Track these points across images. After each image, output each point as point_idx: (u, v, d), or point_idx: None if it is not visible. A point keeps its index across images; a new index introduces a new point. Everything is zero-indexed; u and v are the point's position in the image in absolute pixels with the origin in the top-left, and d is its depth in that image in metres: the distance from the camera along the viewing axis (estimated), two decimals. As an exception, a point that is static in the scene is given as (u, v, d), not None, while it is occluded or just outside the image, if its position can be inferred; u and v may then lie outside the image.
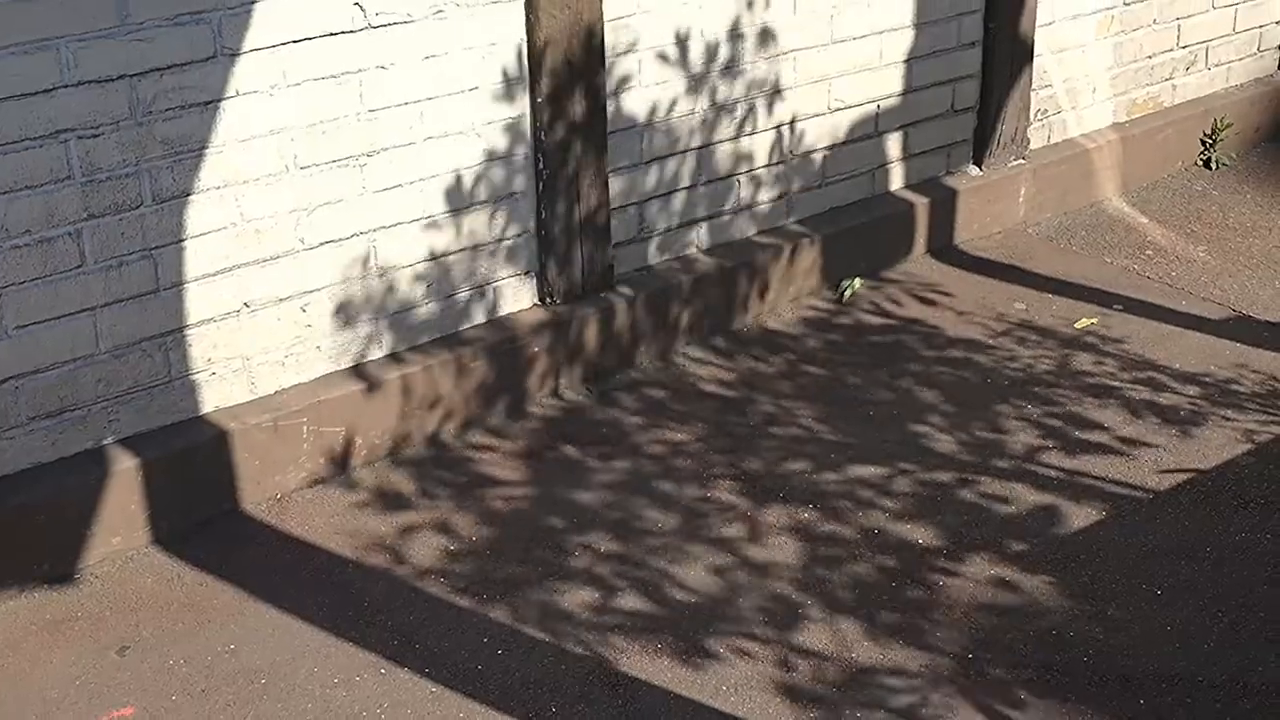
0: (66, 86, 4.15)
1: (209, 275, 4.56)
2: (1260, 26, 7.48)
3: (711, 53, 5.47)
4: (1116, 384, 5.42)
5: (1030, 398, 5.33)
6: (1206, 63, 7.31)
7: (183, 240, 4.48)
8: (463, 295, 5.12)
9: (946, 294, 6.08)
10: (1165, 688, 3.98)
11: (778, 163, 5.85)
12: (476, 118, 4.96)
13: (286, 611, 4.28)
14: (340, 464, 4.87)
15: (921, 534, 4.62)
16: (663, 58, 5.35)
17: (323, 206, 4.71)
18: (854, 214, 6.13)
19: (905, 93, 6.16)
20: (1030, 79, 6.50)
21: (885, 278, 6.19)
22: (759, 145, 5.76)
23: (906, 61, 6.11)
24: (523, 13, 4.96)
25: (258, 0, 4.41)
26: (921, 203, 6.30)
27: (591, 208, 5.27)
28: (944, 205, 6.38)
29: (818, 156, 5.97)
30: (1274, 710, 3.91)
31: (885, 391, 5.39)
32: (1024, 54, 6.42)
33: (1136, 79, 7.02)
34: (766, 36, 5.61)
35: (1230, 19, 7.33)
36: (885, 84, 6.08)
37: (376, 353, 4.98)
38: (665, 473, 4.91)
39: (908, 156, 6.29)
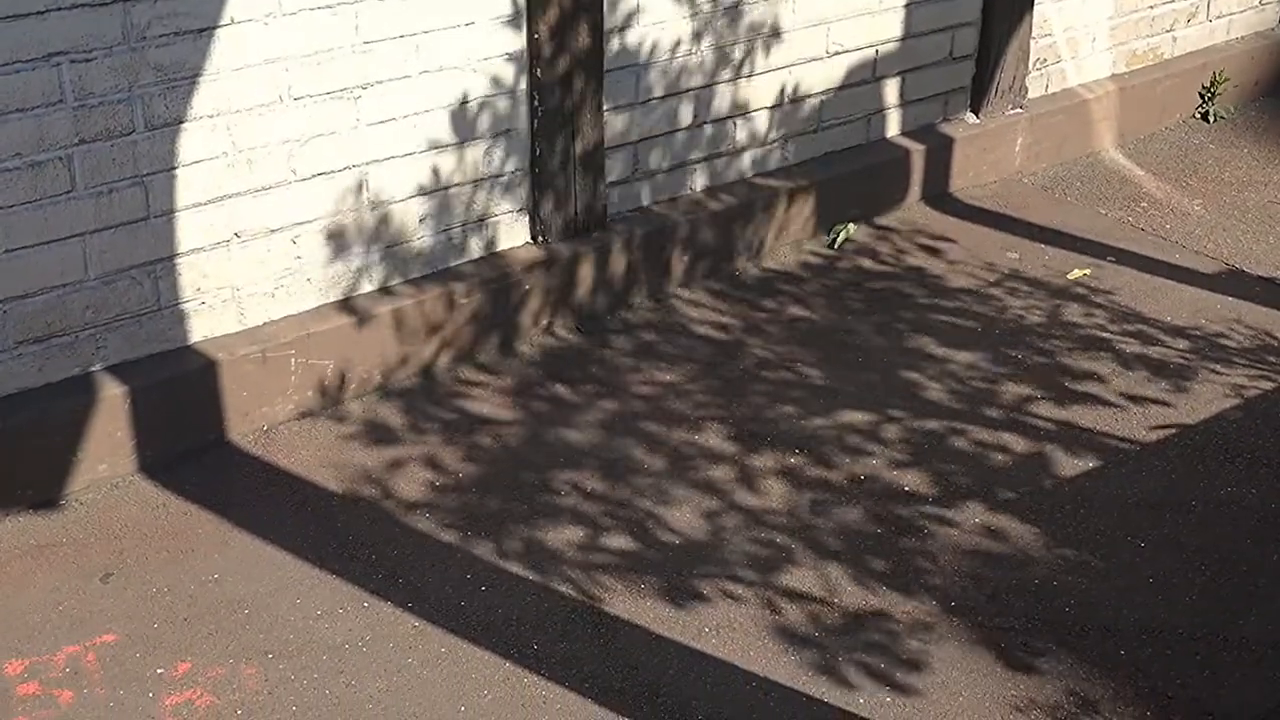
0: (60, 9, 4.11)
1: (200, 204, 4.54)
2: (1263, -20, 7.46)
3: (710, -8, 5.44)
4: (1107, 335, 5.42)
5: (1021, 347, 5.32)
6: (1208, 15, 7.27)
7: (174, 168, 4.46)
8: (455, 230, 5.11)
9: (940, 242, 6.07)
10: (1146, 639, 4.00)
11: (774, 106, 5.82)
12: (473, 52, 4.93)
13: (271, 543, 4.28)
14: (328, 397, 4.86)
15: (910, 481, 4.62)
16: (661, -4, 5.32)
17: (316, 138, 4.69)
18: (849, 159, 6.11)
19: (904, 38, 6.12)
20: (1030, 27, 6.46)
21: (879, 224, 6.18)
22: (756, 88, 5.73)
23: (907, 7, 6.07)
24: (521, -53, 4.94)
25: (254, -73, 4.39)
26: (917, 149, 6.28)
27: (587, 146, 5.24)
28: (940, 152, 6.36)
29: (815, 100, 5.94)
30: (1252, 663, 3.92)
31: (876, 338, 5.38)
32: (1024, 2, 6.38)
33: (1137, 29, 6.99)
34: (766, -23, 5.59)
35: (1233, -28, 7.31)
36: (884, 29, 6.04)
37: (367, 286, 4.96)
38: (655, 414, 4.91)
39: (905, 103, 6.27)
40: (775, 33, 5.69)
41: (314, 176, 4.73)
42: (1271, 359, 5.29)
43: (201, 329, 4.68)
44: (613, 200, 5.45)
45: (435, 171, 4.98)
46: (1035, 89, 6.69)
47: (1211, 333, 5.45)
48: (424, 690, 3.80)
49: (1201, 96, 7.26)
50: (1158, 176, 6.73)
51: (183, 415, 4.61)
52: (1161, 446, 4.81)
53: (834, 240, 5.99)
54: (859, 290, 5.70)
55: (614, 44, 5.24)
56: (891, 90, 6.19)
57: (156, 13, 4.27)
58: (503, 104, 5.05)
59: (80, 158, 4.28)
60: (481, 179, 5.10)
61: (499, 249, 5.24)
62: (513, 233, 5.26)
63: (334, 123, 4.71)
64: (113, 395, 4.45)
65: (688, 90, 5.52)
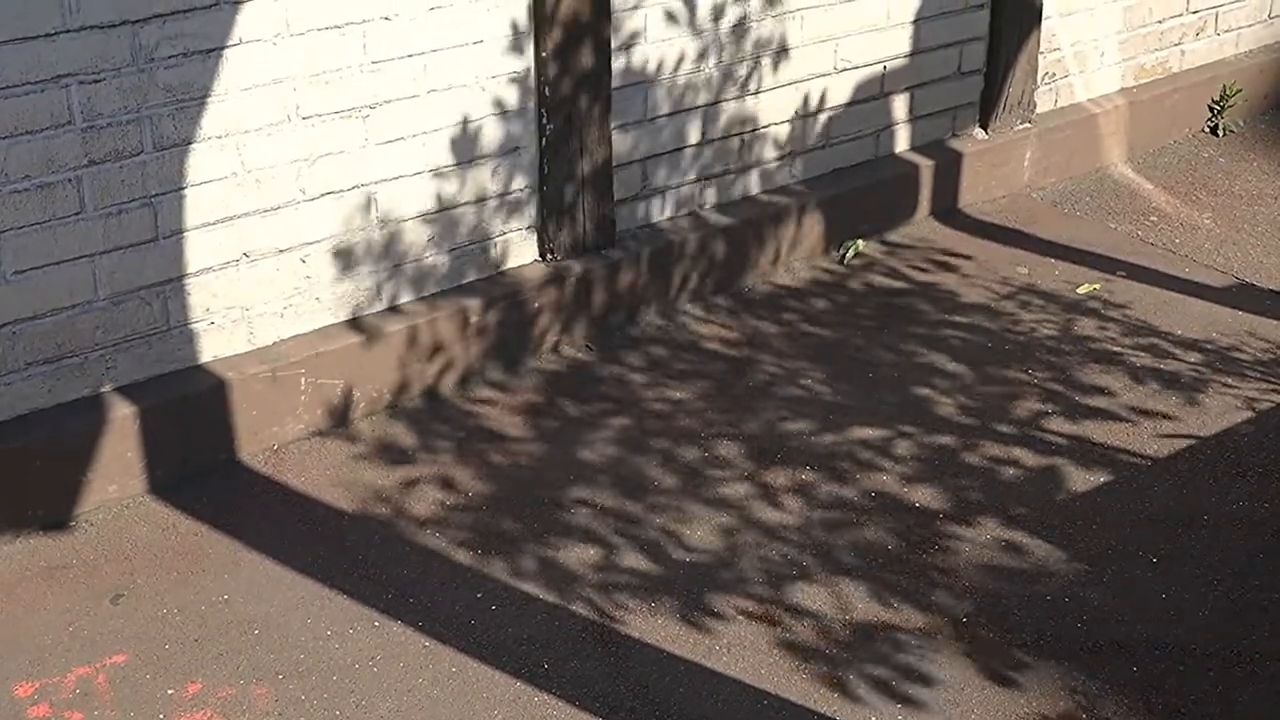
0: (68, 31, 4.12)
1: (209, 224, 4.55)
2: (1271, -7, 7.46)
3: (718, 10, 5.44)
4: (1118, 350, 5.41)
5: (1032, 362, 5.31)
6: (1216, 28, 7.27)
7: (183, 188, 4.46)
8: (464, 249, 5.11)
9: (950, 257, 6.07)
10: (1159, 655, 3.98)
11: (782, 122, 5.82)
12: (481, 71, 4.94)
13: (281, 562, 4.28)
14: (338, 416, 4.86)
15: (922, 497, 4.62)
16: (669, 14, 5.32)
17: (324, 157, 4.69)
18: (858, 175, 6.10)
19: (912, 54, 6.12)
20: (1038, 42, 6.46)
21: (888, 240, 6.17)
22: (764, 104, 5.74)
23: (914, 22, 6.07)
24: (529, -34, 4.95)
25: (262, -52, 4.39)
26: (926, 165, 6.28)
27: (595, 164, 5.25)
28: (949, 168, 6.36)
29: (823, 117, 5.94)
30: (1266, 679, 3.91)
31: (887, 353, 5.37)
32: (1032, 17, 6.38)
33: (1145, 44, 6.99)
34: (774, -6, 5.59)
35: (1241, -15, 7.30)
36: (892, 45, 6.04)
37: (376, 305, 4.96)
38: (666, 431, 4.91)
39: (913, 118, 6.27)
40: (782, 49, 5.69)
41: (323, 196, 4.73)
42: (1283, 372, 5.29)
43: (211, 349, 4.68)
44: (621, 217, 5.45)
45: (443, 190, 4.98)
46: (1044, 104, 6.69)
47: (1223, 346, 5.44)
48: (434, 710, 3.79)
49: (1211, 110, 7.25)
50: (1167, 190, 6.72)
51: (192, 435, 4.61)
52: (1173, 461, 4.80)
53: (843, 256, 5.98)
54: (869, 306, 5.69)
55: (621, 62, 5.25)
56: (900, 106, 6.19)
57: (165, 34, 4.28)
58: (510, 122, 5.06)
59: (89, 179, 4.28)
60: (490, 197, 5.11)
61: (508, 267, 5.24)
62: (521, 251, 5.26)
63: (342, 142, 4.71)
64: (123, 415, 4.45)
65: (695, 107, 5.52)
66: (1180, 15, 7.07)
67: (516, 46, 4.99)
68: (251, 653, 3.96)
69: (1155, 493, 4.65)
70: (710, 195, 5.71)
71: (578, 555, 4.34)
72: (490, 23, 4.91)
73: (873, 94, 6.07)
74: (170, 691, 3.83)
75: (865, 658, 3.98)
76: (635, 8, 5.22)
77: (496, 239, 5.18)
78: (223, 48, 4.40)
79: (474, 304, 5.06)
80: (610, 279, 5.36)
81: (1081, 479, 4.70)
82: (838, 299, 5.73)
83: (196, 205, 4.50)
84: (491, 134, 5.03)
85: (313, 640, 4.00)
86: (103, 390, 4.50)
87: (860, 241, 6.05)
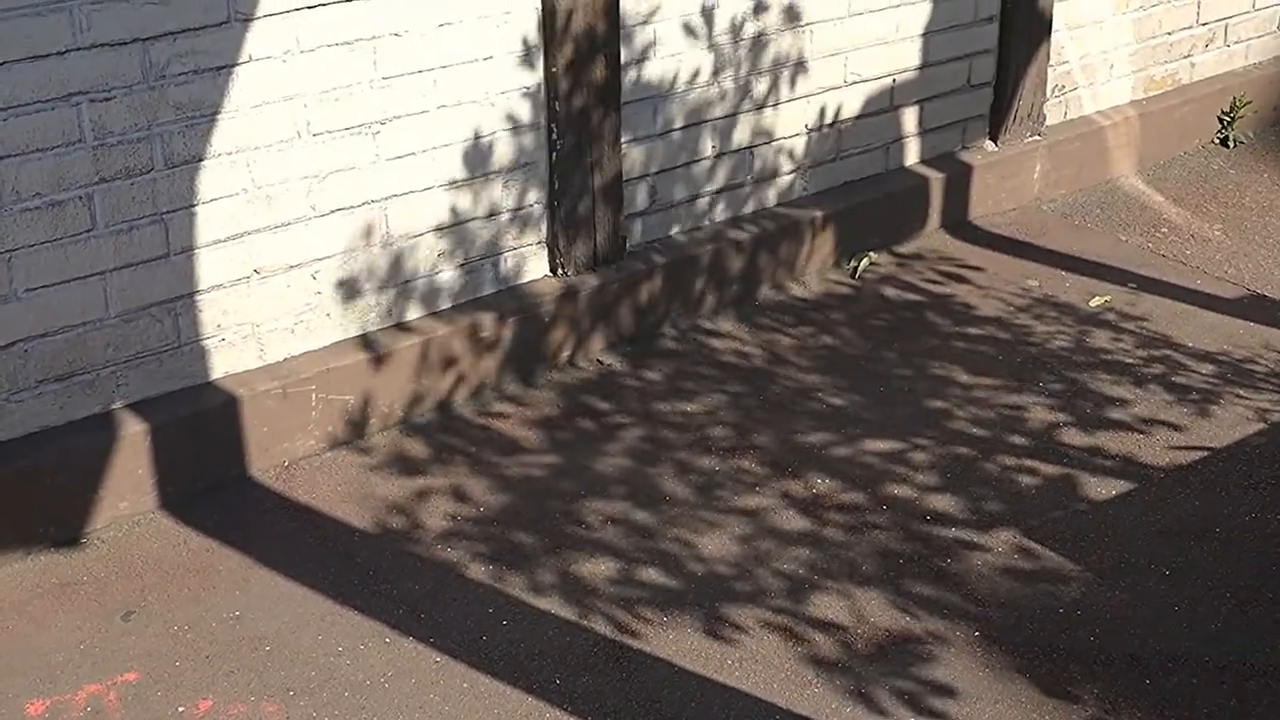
0: (79, 49, 4.13)
1: (219, 241, 4.55)
2: (1280, 4, 7.45)
3: (727, 25, 5.44)
4: (1130, 361, 5.40)
5: (1045, 373, 5.31)
6: (1225, 40, 7.26)
7: (193, 205, 4.47)
8: (475, 264, 5.11)
9: (961, 269, 6.06)
10: (1172, 667, 3.97)
11: (793, 135, 5.82)
12: (491, 86, 4.94)
13: (292, 578, 4.28)
14: (349, 432, 4.86)
15: (936, 508, 4.61)
16: (679, 29, 5.32)
17: (335, 174, 4.70)
18: (868, 188, 6.10)
19: (922, 67, 6.13)
20: (1047, 55, 6.46)
21: (899, 252, 6.17)
22: (774, 118, 5.74)
23: (923, 36, 6.07)
24: (538, -19, 4.96)
25: (271, -35, 4.40)
26: (936, 178, 6.27)
27: (606, 178, 5.25)
28: (959, 180, 6.35)
29: (833, 130, 5.94)
30: (1279, 691, 3.91)
31: (899, 365, 5.37)
32: (1042, 29, 6.38)
33: (1155, 56, 6.98)
34: (784, 9, 5.58)
35: (1251, -4, 7.30)
36: (902, 58, 6.04)
37: (387, 321, 4.97)
38: (680, 443, 4.90)
39: (923, 131, 6.26)
40: (792, 63, 5.69)
41: (333, 212, 4.74)
42: (1295, 384, 5.28)
43: (222, 365, 4.68)
44: (633, 231, 5.45)
45: (454, 206, 4.99)
46: (1053, 116, 6.68)
47: (1235, 358, 5.43)
48: (447, 725, 3.80)
49: (1221, 122, 7.25)
50: (1177, 202, 6.71)
51: (203, 451, 4.61)
52: (1186, 473, 4.79)
53: (855, 269, 5.98)
54: (881, 318, 5.69)
55: (631, 76, 5.25)
56: (910, 118, 6.19)
57: (176, 51, 4.29)
58: (521, 137, 5.06)
59: (100, 196, 4.29)
60: (501, 212, 5.11)
61: (520, 282, 5.24)
62: (533, 265, 5.26)
63: (353, 158, 4.72)
64: (134, 432, 4.45)
65: (705, 121, 5.53)
66: (1190, 27, 7.07)
67: (527, 61, 4.99)
68: (262, 669, 3.96)
69: (1168, 504, 4.64)
70: (722, 208, 5.71)
71: (591, 569, 4.34)
72: (500, 38, 4.91)
73: (883, 107, 6.07)
74: (181, 709, 3.83)
75: (880, 669, 3.97)
76: (645, 23, 5.23)
77: (508, 254, 5.18)
78: (233, 65, 4.41)
79: (486, 319, 5.06)
80: (623, 293, 5.36)
81: (1095, 490, 4.70)
82: (850, 311, 5.73)
83: (207, 222, 4.51)
84: (502, 149, 5.04)
85: (324, 657, 4.00)
86: (114, 407, 4.51)
87: (871, 254, 6.05)
